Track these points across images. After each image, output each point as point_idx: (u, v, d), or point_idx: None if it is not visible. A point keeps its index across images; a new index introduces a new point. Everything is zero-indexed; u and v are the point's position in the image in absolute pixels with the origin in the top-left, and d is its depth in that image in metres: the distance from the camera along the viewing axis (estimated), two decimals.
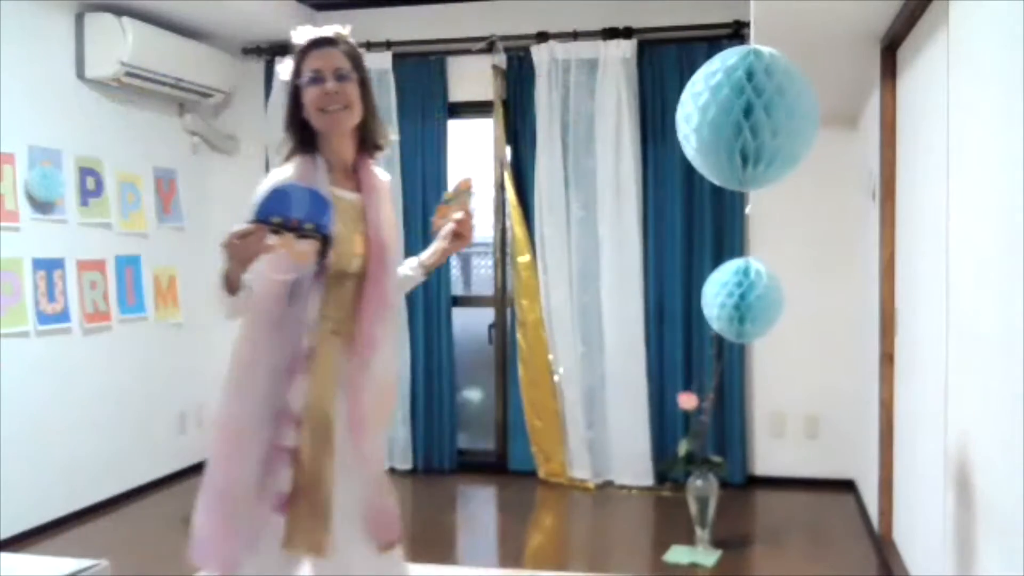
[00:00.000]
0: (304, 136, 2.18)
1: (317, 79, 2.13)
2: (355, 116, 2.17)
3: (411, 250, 5.21)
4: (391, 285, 2.21)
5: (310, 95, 2.13)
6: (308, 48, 2.19)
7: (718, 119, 2.05)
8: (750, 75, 2.05)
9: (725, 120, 2.05)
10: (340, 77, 2.14)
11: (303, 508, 2.04)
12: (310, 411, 2.07)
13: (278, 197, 1.94)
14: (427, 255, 2.39)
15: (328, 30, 2.22)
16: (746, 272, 3.43)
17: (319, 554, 2.05)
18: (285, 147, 2.24)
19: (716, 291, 3.47)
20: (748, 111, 2.04)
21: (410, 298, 5.24)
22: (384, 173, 2.35)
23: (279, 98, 5.30)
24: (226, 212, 5.60)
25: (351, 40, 2.24)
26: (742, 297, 3.39)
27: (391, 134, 2.39)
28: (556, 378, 5.04)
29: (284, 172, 2.14)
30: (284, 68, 2.24)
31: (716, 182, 2.24)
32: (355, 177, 2.24)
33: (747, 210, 4.77)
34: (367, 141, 2.26)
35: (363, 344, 2.14)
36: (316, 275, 2.08)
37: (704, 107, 2.08)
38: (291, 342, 2.08)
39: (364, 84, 2.20)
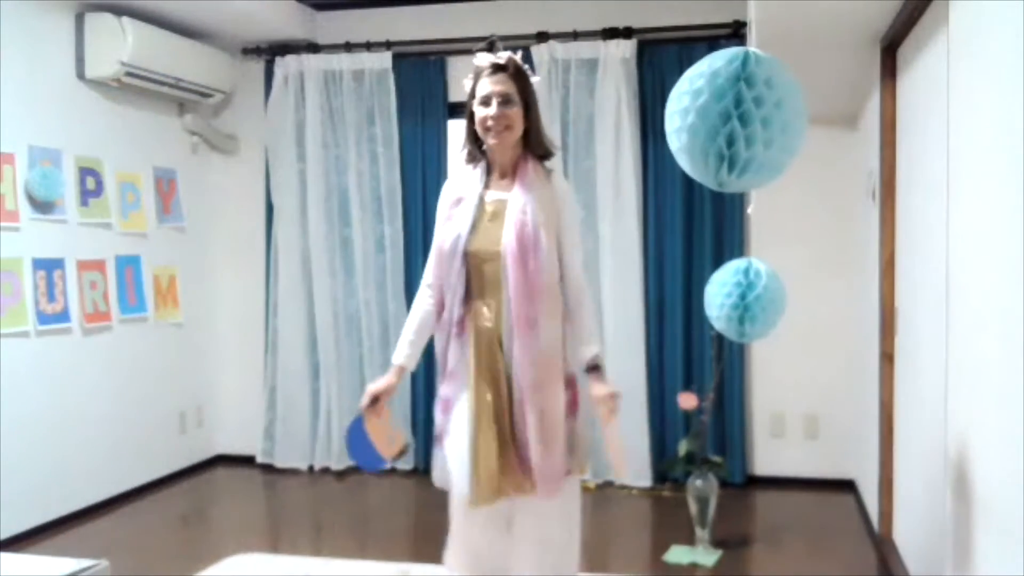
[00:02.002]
0: (476, 144, 2.62)
1: (485, 102, 2.53)
2: (515, 135, 2.55)
3: (412, 248, 5.26)
4: (535, 267, 2.49)
5: (479, 115, 2.54)
6: (481, 73, 2.57)
7: (698, 124, 2.08)
8: (735, 80, 2.06)
9: (703, 126, 2.07)
10: (505, 102, 2.51)
11: (453, 458, 2.63)
12: (461, 371, 2.61)
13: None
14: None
15: (502, 56, 2.57)
16: (748, 272, 3.44)
17: (469, 503, 2.58)
18: (463, 151, 2.68)
19: (718, 291, 3.47)
20: (726, 118, 2.06)
21: (411, 298, 5.23)
22: (559, 180, 2.65)
23: (279, 97, 5.32)
24: (226, 212, 5.61)
25: (522, 65, 2.58)
26: (743, 297, 3.40)
27: (555, 144, 2.70)
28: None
29: (453, 178, 2.73)
30: (466, 84, 2.64)
31: (698, 180, 2.28)
32: (512, 178, 2.59)
33: (749, 210, 4.77)
34: (531, 149, 2.61)
35: (516, 320, 2.49)
36: (456, 260, 2.56)
37: (684, 111, 2.10)
38: (447, 311, 2.59)
39: (528, 106, 2.56)
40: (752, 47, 2.37)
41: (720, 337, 4.30)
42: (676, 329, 4.97)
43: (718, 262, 4.82)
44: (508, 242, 2.49)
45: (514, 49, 2.62)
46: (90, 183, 4.59)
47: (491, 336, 2.55)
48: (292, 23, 5.17)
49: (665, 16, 4.90)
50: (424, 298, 2.69)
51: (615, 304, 4.96)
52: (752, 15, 3.31)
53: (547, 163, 2.67)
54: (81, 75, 4.52)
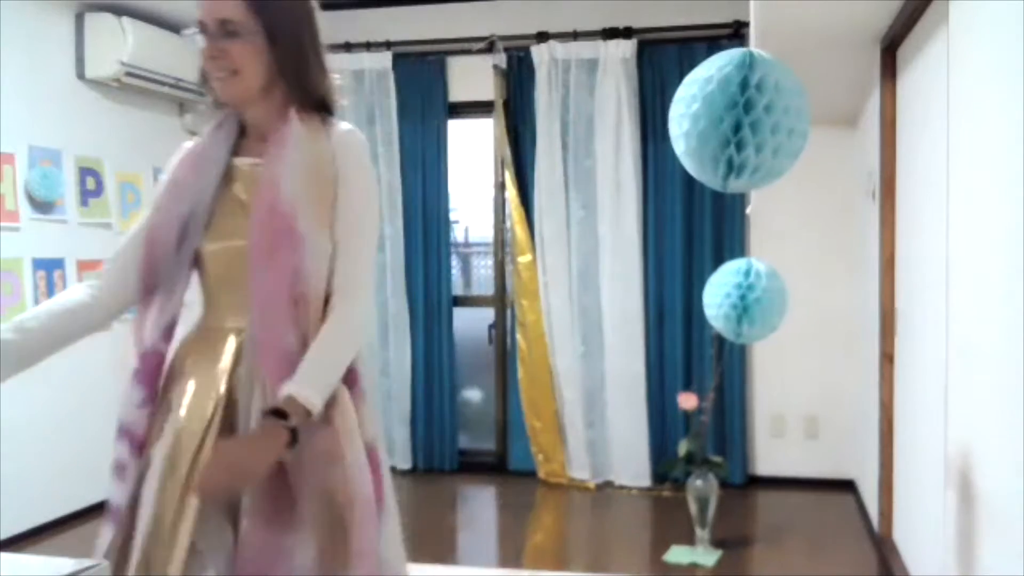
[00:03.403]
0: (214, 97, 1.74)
1: (203, 32, 1.64)
2: (247, 82, 1.64)
3: (412, 248, 5.26)
4: (285, 272, 1.59)
5: (201, 54, 1.66)
6: None
7: (708, 131, 2.07)
8: (744, 87, 2.05)
9: (714, 132, 2.07)
10: (227, 32, 1.62)
11: None
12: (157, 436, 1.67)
13: None
14: None
15: None
16: (749, 273, 3.43)
17: None
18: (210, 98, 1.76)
19: (719, 292, 3.47)
20: (737, 127, 2.05)
21: (410, 298, 5.24)
22: (342, 133, 1.72)
23: None
24: None
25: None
26: (743, 298, 3.39)
27: (337, 91, 1.77)
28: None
29: (189, 145, 1.77)
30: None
31: (703, 182, 2.28)
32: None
33: (748, 210, 4.77)
34: (296, 97, 1.69)
35: (260, 356, 1.59)
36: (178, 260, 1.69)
37: (695, 116, 2.09)
38: (149, 330, 1.73)
39: (274, 36, 1.64)
40: (752, 47, 2.37)
41: (720, 337, 4.30)
42: (676, 329, 4.97)
43: (718, 262, 4.81)
44: (252, 237, 1.62)
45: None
46: (90, 183, 4.59)
47: (219, 382, 1.65)
48: None
49: (665, 16, 4.90)
50: (83, 289, 1.75)
51: (615, 304, 4.95)
52: (752, 15, 3.31)
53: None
54: (81, 75, 4.52)
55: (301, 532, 1.58)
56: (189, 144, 1.76)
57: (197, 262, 1.71)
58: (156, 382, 1.73)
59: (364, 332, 1.78)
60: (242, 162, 1.72)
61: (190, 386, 1.69)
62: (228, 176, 1.71)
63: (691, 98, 2.11)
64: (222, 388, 1.65)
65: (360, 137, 1.73)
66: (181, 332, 1.75)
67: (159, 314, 1.71)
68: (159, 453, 1.65)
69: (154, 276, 1.70)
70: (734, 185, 2.14)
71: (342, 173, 1.67)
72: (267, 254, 1.61)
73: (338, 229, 1.66)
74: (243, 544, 1.58)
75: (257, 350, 1.61)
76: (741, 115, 2.05)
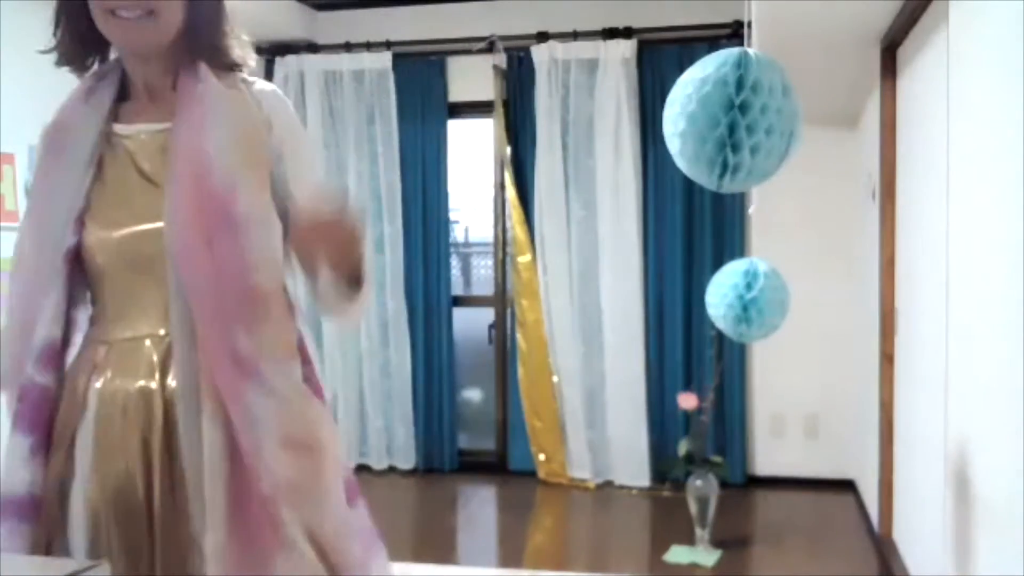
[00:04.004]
0: (87, 41, 1.40)
1: None
2: (164, 27, 1.35)
3: (412, 247, 5.26)
4: (236, 262, 1.30)
5: None
6: None
7: (702, 131, 2.07)
8: (739, 87, 2.05)
9: (709, 132, 2.06)
10: None
11: None
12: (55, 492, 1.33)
13: None
14: None
15: None
16: (753, 273, 3.42)
17: None
18: (60, 52, 1.42)
19: (722, 292, 3.46)
20: (732, 127, 2.05)
21: (410, 298, 5.24)
22: (262, 85, 1.46)
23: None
24: None
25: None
26: (741, 298, 3.39)
27: (246, 49, 1.46)
28: (555, 379, 5.04)
29: (49, 121, 1.44)
30: None
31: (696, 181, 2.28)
32: (172, 98, 1.40)
33: (750, 210, 4.77)
34: (202, 57, 1.40)
35: (212, 366, 1.28)
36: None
37: (690, 116, 2.09)
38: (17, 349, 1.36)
39: None
40: (752, 47, 2.37)
41: (720, 337, 4.30)
42: (676, 329, 4.96)
43: (718, 262, 4.81)
44: (176, 221, 1.31)
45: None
46: None
47: (147, 404, 1.33)
48: (292, 23, 5.16)
49: (665, 16, 4.90)
50: None
51: (615, 304, 4.95)
52: (752, 15, 3.31)
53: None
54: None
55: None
56: (49, 120, 1.43)
57: (78, 259, 1.36)
58: (46, 423, 1.34)
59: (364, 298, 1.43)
60: (130, 129, 1.39)
61: (94, 429, 1.32)
62: (109, 147, 1.39)
63: (685, 98, 2.11)
64: (157, 411, 1.31)
65: (284, 96, 1.49)
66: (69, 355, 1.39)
67: (27, 338, 1.33)
68: (76, 534, 1.30)
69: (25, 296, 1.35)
70: (728, 185, 2.14)
71: (285, 139, 1.41)
72: (201, 241, 1.28)
73: (294, 191, 1.39)
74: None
75: (204, 358, 1.28)
76: (736, 116, 2.05)
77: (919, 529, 3.12)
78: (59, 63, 1.43)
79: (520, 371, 5.11)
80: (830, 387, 4.92)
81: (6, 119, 4.08)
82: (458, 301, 5.38)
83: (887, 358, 3.67)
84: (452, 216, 5.45)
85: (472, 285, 6.06)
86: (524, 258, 5.08)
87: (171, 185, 1.31)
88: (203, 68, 1.38)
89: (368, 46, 5.23)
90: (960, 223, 2.45)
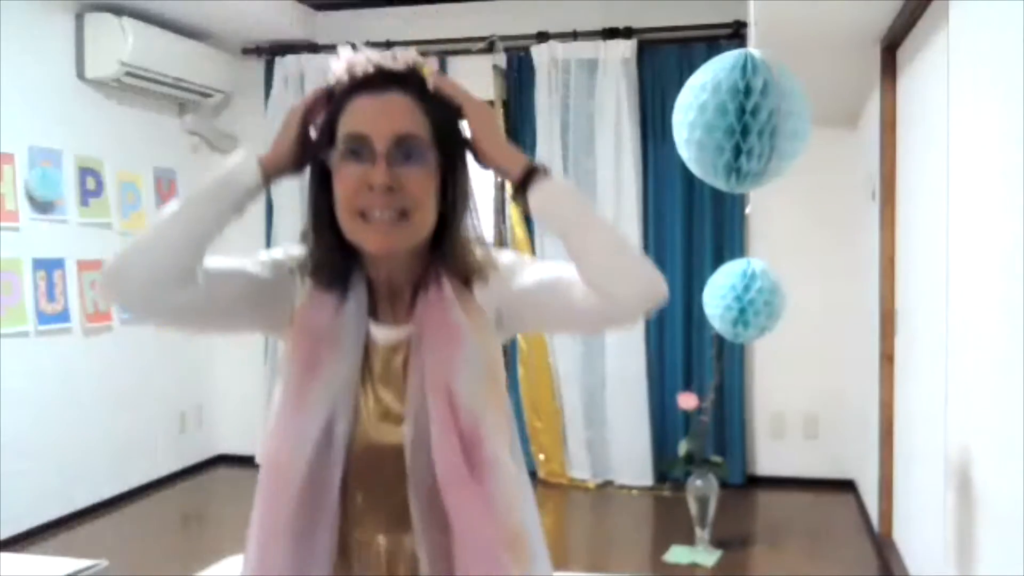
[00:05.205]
0: (333, 246, 1.26)
1: (357, 151, 1.21)
2: (417, 228, 1.23)
3: None
4: (485, 502, 1.23)
5: (345, 180, 1.21)
6: (352, 89, 1.25)
7: (712, 136, 2.07)
8: (746, 91, 2.05)
9: (718, 137, 2.06)
10: (406, 154, 1.21)
11: None
12: None
13: None
14: None
15: (399, 55, 1.27)
16: (751, 274, 3.42)
17: None
18: (309, 260, 1.29)
19: (718, 292, 3.46)
20: (743, 130, 2.05)
21: None
22: (502, 263, 1.34)
23: (279, 97, 5.30)
24: None
25: (436, 72, 1.27)
26: (738, 299, 3.38)
27: (488, 254, 1.33)
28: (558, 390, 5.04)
29: (310, 301, 1.29)
30: (315, 103, 1.30)
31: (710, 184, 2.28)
32: (409, 303, 1.30)
33: (747, 210, 4.77)
34: (445, 261, 1.29)
35: None
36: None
37: (699, 122, 2.08)
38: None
39: (452, 165, 1.26)
40: (752, 47, 2.37)
41: (720, 337, 4.29)
42: (676, 329, 4.97)
43: (718, 262, 4.81)
44: (425, 442, 1.22)
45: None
46: (90, 183, 4.59)
47: None
48: (292, 23, 5.16)
49: (665, 16, 4.90)
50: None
51: None
52: (752, 15, 3.31)
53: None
54: (81, 75, 4.52)
55: None
56: (309, 300, 1.29)
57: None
58: None
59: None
60: (382, 334, 1.29)
61: None
62: (366, 352, 1.28)
63: (693, 104, 2.10)
64: None
65: (508, 257, 1.36)
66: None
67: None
68: None
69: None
70: (741, 187, 2.14)
71: (514, 290, 1.30)
72: (456, 473, 1.21)
73: (547, 287, 1.29)
74: None
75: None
76: (746, 119, 2.04)
77: (919, 529, 3.12)
78: (316, 282, 1.29)
79: (520, 371, 5.11)
80: (830, 387, 4.92)
81: (6, 119, 4.08)
82: None
83: (887, 358, 3.67)
84: None
85: None
86: None
87: (414, 409, 1.23)
88: (440, 272, 1.28)
89: (368, 46, 5.22)
90: (960, 223, 2.45)
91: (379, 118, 1.21)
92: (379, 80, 1.24)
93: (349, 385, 1.25)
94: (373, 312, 1.30)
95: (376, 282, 1.30)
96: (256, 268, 1.30)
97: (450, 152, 1.25)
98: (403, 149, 1.20)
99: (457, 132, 1.28)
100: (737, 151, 2.06)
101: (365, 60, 1.25)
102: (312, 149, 1.28)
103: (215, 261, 1.25)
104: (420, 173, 1.21)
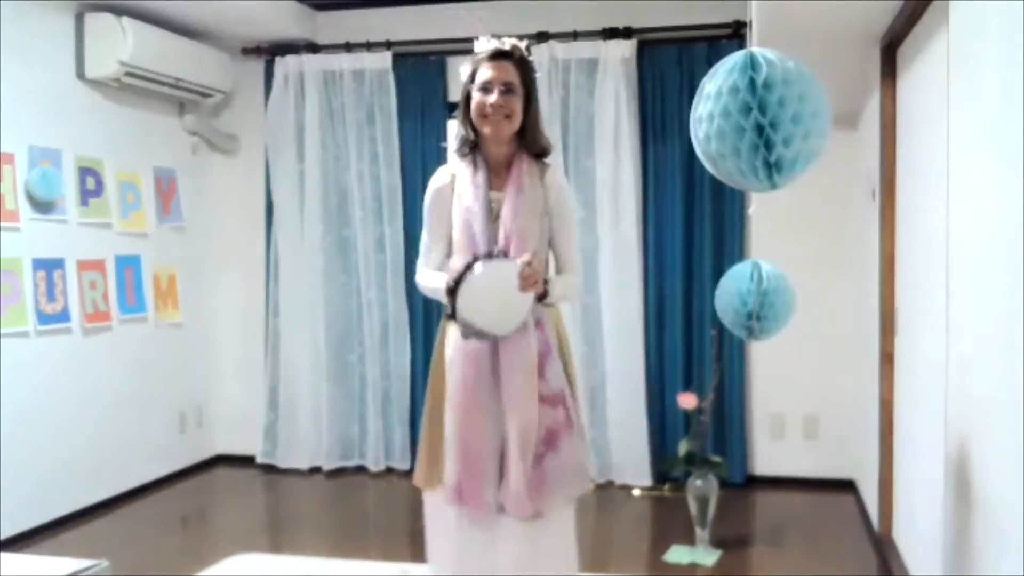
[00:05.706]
0: (469, 136, 2.54)
1: (486, 88, 2.47)
2: (513, 126, 2.49)
3: (412, 247, 5.26)
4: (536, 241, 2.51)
5: (477, 102, 2.48)
6: (483, 59, 2.50)
7: (733, 143, 2.04)
8: (753, 89, 2.03)
9: (740, 142, 2.03)
10: (507, 90, 2.47)
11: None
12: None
13: None
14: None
15: (507, 43, 2.51)
16: (759, 276, 3.41)
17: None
18: (457, 142, 2.58)
19: (730, 296, 3.45)
20: (760, 129, 2.03)
21: (410, 298, 5.24)
22: (553, 176, 2.58)
23: (279, 97, 5.30)
24: (226, 212, 5.61)
25: (527, 54, 2.54)
26: (745, 304, 3.38)
27: (551, 143, 2.62)
28: None
29: (445, 170, 2.64)
30: (464, 70, 2.53)
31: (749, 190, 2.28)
32: (506, 176, 2.52)
33: (750, 211, 4.77)
34: (526, 146, 2.54)
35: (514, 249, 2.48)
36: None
37: (717, 133, 2.06)
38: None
39: (529, 98, 2.51)
40: (752, 47, 2.36)
41: (720, 337, 4.30)
42: (676, 329, 4.96)
43: (718, 262, 4.82)
44: (508, 227, 2.50)
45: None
46: (90, 183, 4.59)
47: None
48: (292, 23, 5.16)
49: (665, 16, 4.90)
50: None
51: (615, 304, 4.95)
52: (752, 15, 3.31)
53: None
54: (81, 75, 4.52)
55: None
56: (461, 177, 2.59)
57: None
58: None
59: (579, 290, 2.76)
60: (494, 196, 2.53)
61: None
62: (487, 208, 2.53)
63: (707, 116, 2.08)
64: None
65: (563, 179, 2.64)
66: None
67: None
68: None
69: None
70: (781, 181, 2.11)
71: (556, 209, 2.56)
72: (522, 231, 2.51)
73: (560, 242, 2.59)
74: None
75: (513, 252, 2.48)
76: (759, 117, 2.02)
77: (919, 529, 3.12)
78: (460, 156, 2.61)
79: None
80: (830, 387, 4.92)
81: (6, 119, 4.08)
82: None
83: (887, 358, 3.67)
84: None
85: None
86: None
87: (501, 228, 2.51)
88: (526, 157, 2.55)
89: (368, 46, 5.23)
90: (960, 223, 2.45)
91: (496, 73, 2.49)
92: (496, 55, 2.50)
93: (481, 223, 2.52)
94: (490, 184, 2.55)
95: (489, 159, 2.56)
96: (434, 219, 2.69)
97: (529, 92, 2.53)
98: (506, 88, 2.48)
99: (533, 84, 2.55)
100: (763, 146, 2.03)
101: (490, 45, 2.52)
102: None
103: (437, 251, 2.76)
104: (514, 100, 2.49)
